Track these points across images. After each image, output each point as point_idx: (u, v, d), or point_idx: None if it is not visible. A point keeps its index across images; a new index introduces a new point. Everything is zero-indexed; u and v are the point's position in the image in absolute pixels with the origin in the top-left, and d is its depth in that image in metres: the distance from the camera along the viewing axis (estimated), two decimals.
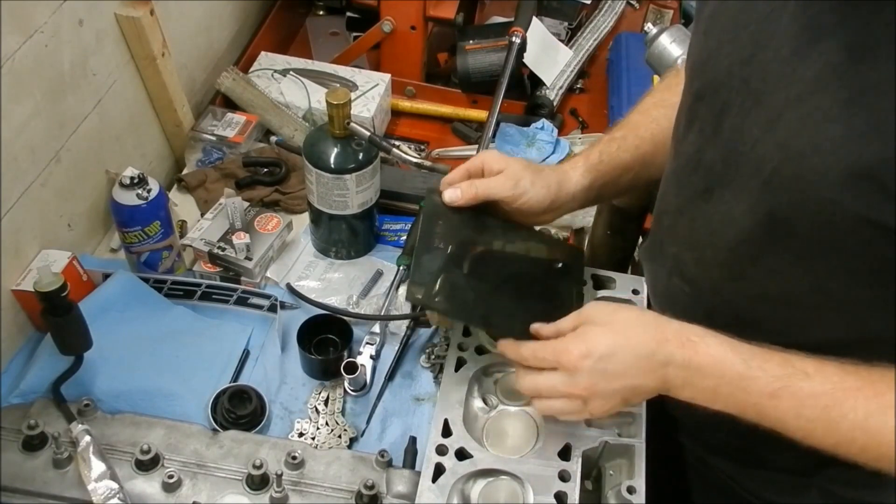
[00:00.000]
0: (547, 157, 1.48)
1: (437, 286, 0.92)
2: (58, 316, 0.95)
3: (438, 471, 0.89)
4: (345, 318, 1.17)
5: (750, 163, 0.79)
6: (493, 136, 1.46)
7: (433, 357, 1.17)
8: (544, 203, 0.97)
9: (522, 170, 0.96)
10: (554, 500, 0.88)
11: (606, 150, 1.02)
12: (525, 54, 1.55)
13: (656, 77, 1.55)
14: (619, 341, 0.81)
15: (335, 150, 1.19)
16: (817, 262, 0.77)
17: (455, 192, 0.96)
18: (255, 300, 1.21)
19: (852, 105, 0.68)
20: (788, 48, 0.73)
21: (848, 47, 0.68)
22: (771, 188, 0.77)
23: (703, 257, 0.90)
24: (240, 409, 1.03)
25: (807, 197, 0.73)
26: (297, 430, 1.07)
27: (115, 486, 0.90)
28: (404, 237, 1.32)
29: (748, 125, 0.78)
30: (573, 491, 0.88)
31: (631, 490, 0.89)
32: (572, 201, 1.00)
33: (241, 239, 1.22)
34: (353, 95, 1.31)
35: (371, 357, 1.16)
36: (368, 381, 1.14)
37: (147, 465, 0.93)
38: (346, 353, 1.14)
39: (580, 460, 0.91)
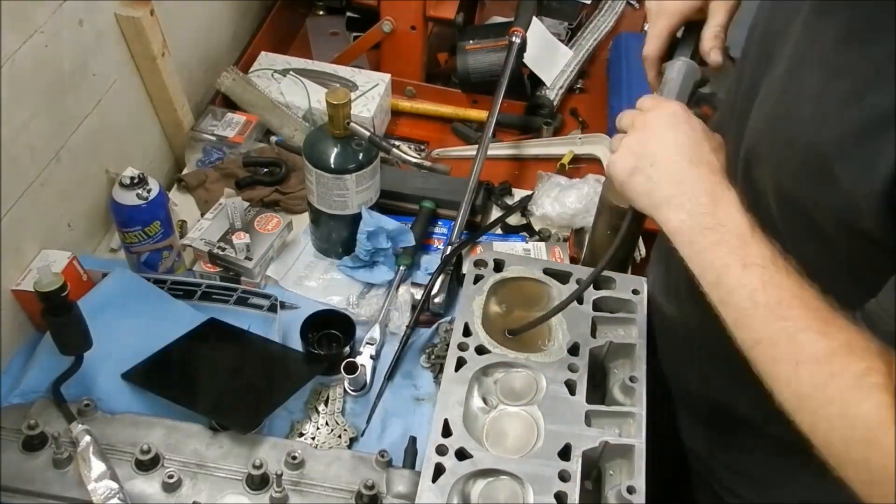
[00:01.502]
0: None
1: None
2: (58, 316, 0.95)
3: (438, 471, 0.89)
4: (347, 313, 1.17)
5: (743, 133, 0.81)
6: (493, 135, 1.46)
7: (433, 357, 1.17)
8: None
9: None
10: (554, 500, 0.88)
11: None
12: (525, 54, 1.55)
13: None
14: (686, 126, 0.84)
15: (335, 150, 1.19)
16: (797, 248, 0.76)
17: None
18: (254, 300, 1.21)
19: (826, 87, 0.68)
20: (801, 23, 0.73)
21: (845, 27, 0.68)
22: (750, 163, 0.79)
23: None
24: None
25: (776, 177, 0.75)
26: (297, 430, 1.07)
27: (115, 486, 0.90)
28: None
29: (755, 95, 0.80)
30: (573, 491, 0.88)
31: (631, 490, 0.89)
32: None
33: (241, 239, 1.22)
34: (353, 95, 1.31)
35: (371, 357, 1.16)
36: (368, 381, 1.14)
37: (147, 465, 0.93)
38: (348, 349, 1.14)
39: (580, 460, 0.91)
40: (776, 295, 0.71)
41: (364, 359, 1.15)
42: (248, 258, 1.23)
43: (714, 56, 0.94)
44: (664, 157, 0.82)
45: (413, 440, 1.04)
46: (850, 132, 0.65)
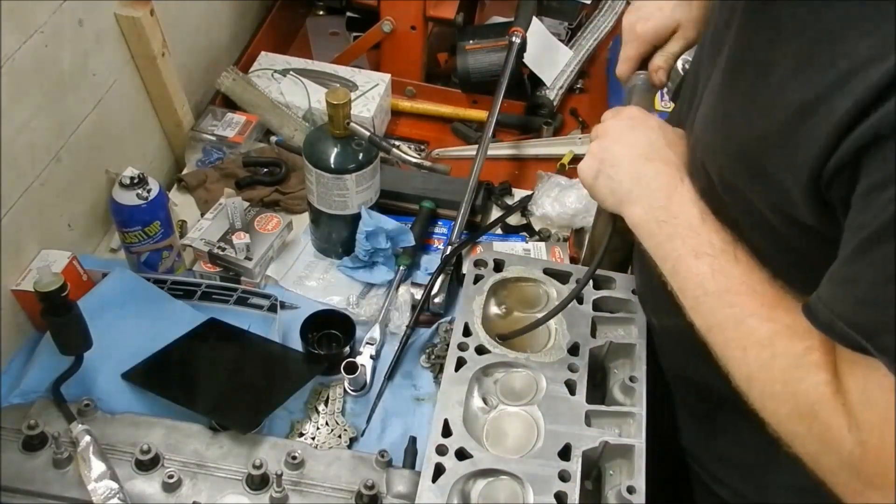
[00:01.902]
0: None
1: None
2: (58, 316, 0.95)
3: (438, 471, 0.89)
4: (347, 313, 1.17)
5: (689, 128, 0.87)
6: (493, 135, 1.46)
7: (433, 357, 1.17)
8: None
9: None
10: (554, 500, 0.88)
11: None
12: (525, 54, 1.55)
13: None
14: (642, 126, 0.91)
15: (335, 150, 1.19)
16: (749, 237, 0.79)
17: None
18: (254, 300, 1.21)
19: (755, 84, 0.70)
20: (737, 21, 0.76)
21: (772, 26, 0.69)
22: (699, 154, 0.82)
23: None
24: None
25: (719, 169, 0.77)
26: (297, 430, 1.07)
27: (115, 486, 0.90)
28: None
29: (704, 89, 0.83)
30: (573, 491, 0.88)
31: (631, 490, 0.89)
32: None
33: (241, 239, 1.22)
34: (353, 95, 1.31)
35: (371, 357, 1.16)
36: (368, 381, 1.14)
37: (147, 465, 0.93)
38: (348, 349, 1.14)
39: (580, 460, 0.91)
40: (724, 283, 0.75)
41: (364, 359, 1.15)
42: (248, 258, 1.23)
43: (659, 76, 1.04)
44: (622, 157, 0.88)
45: (413, 440, 1.04)
46: (773, 127, 0.67)
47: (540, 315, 1.07)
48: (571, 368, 1.00)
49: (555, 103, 1.63)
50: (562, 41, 1.71)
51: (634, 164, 0.87)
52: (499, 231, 1.38)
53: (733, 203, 0.78)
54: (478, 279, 1.10)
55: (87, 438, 0.93)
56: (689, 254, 0.78)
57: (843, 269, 0.64)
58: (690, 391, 1.06)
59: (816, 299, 0.66)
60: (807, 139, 0.63)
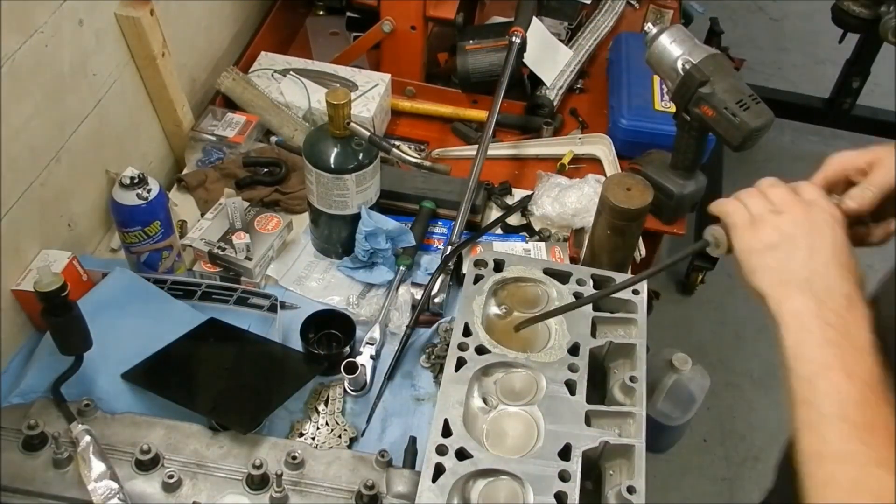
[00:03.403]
0: None
1: None
2: (58, 316, 0.95)
3: (438, 471, 0.89)
4: (347, 313, 1.17)
5: None
6: (493, 135, 1.46)
7: (433, 357, 1.17)
8: None
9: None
10: (554, 500, 0.88)
11: None
12: (525, 54, 1.55)
13: (656, 77, 1.55)
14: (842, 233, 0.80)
15: (335, 150, 1.19)
16: None
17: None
18: (255, 300, 1.21)
19: None
20: None
21: None
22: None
23: None
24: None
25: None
26: (297, 430, 1.07)
27: (115, 486, 0.90)
28: None
29: None
30: (573, 491, 0.88)
31: (631, 490, 0.89)
32: None
33: (241, 239, 1.22)
34: (353, 95, 1.31)
35: (371, 357, 1.16)
36: (368, 381, 1.14)
37: (147, 465, 0.93)
38: (348, 349, 1.14)
39: (580, 460, 0.91)
40: (870, 417, 0.68)
41: (364, 359, 1.15)
42: (248, 258, 1.23)
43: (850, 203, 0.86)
44: (816, 249, 0.78)
45: (413, 440, 1.04)
46: None
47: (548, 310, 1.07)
48: (571, 368, 1.00)
49: (555, 103, 1.63)
50: (562, 41, 1.71)
51: (826, 264, 0.77)
52: (499, 231, 1.38)
53: None
54: (478, 279, 1.10)
55: (87, 438, 0.93)
56: (842, 370, 0.70)
57: None
58: None
59: None
60: None
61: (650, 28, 1.32)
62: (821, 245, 0.78)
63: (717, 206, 0.86)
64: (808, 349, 0.73)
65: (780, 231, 0.80)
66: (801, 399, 0.72)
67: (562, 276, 1.11)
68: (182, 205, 1.37)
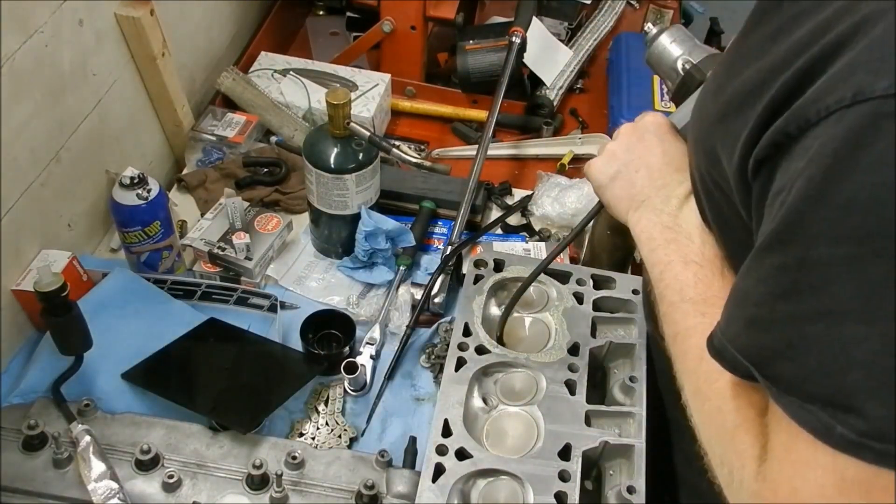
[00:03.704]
0: None
1: None
2: (58, 316, 0.95)
3: (438, 471, 0.89)
4: (347, 313, 1.17)
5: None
6: (493, 135, 1.46)
7: (433, 357, 1.17)
8: None
9: None
10: (554, 500, 0.88)
11: None
12: (525, 54, 1.55)
13: (656, 77, 1.55)
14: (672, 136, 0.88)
15: (335, 150, 1.19)
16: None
17: None
18: (254, 300, 1.21)
19: (726, 79, 0.68)
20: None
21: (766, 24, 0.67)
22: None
23: None
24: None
25: (699, 167, 0.76)
26: (297, 430, 1.07)
27: (115, 486, 0.90)
28: None
29: None
30: (573, 491, 0.88)
31: (631, 490, 0.89)
32: None
33: (241, 239, 1.22)
34: (353, 95, 1.31)
35: (371, 357, 1.16)
36: (368, 381, 1.14)
37: (147, 465, 0.93)
38: (348, 349, 1.14)
39: (580, 460, 0.91)
40: (703, 292, 0.73)
41: (364, 359, 1.15)
42: (248, 258, 1.23)
43: None
44: (651, 163, 0.85)
45: (413, 440, 1.04)
46: (717, 116, 0.66)
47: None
48: (571, 368, 1.00)
49: (555, 103, 1.63)
50: (562, 41, 1.71)
51: (661, 172, 0.84)
52: (499, 231, 1.38)
53: (710, 208, 0.76)
54: (478, 279, 1.10)
55: (87, 438, 0.93)
56: (678, 260, 0.77)
57: (737, 285, 0.60)
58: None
59: (717, 323, 0.61)
60: (742, 124, 0.59)
61: (650, 28, 1.31)
62: (652, 160, 0.86)
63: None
64: (655, 255, 0.80)
65: (617, 159, 0.88)
66: (658, 297, 0.78)
67: (562, 276, 1.11)
68: (182, 205, 1.37)
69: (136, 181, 1.12)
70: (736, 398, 0.62)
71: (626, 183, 0.86)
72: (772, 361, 0.54)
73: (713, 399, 0.65)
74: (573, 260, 1.31)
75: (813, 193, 0.50)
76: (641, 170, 0.85)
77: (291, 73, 1.57)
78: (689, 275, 0.75)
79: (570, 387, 0.98)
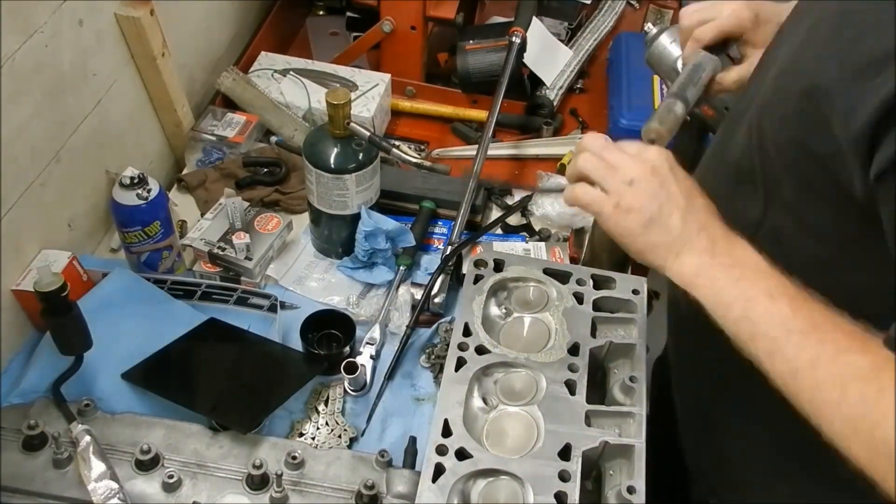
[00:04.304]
0: None
1: None
2: (58, 316, 0.95)
3: (438, 471, 0.89)
4: (347, 313, 1.17)
5: (757, 95, 0.86)
6: (493, 135, 1.46)
7: (433, 357, 1.17)
8: None
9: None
10: (554, 500, 0.88)
11: None
12: (525, 54, 1.55)
13: (656, 77, 1.55)
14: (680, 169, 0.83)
15: (335, 150, 1.19)
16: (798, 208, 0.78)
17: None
18: (255, 300, 1.21)
19: (833, 35, 0.70)
20: None
21: None
22: (759, 116, 0.82)
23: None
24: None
25: (775, 129, 0.77)
26: (297, 430, 1.07)
27: (115, 486, 0.90)
28: None
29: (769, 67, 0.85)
30: (573, 491, 0.88)
31: (631, 490, 0.89)
32: None
33: (241, 239, 1.22)
34: (353, 95, 1.31)
35: (371, 357, 1.16)
36: (368, 381, 1.14)
37: (147, 465, 0.93)
38: (348, 349, 1.14)
39: (580, 460, 0.91)
40: (809, 320, 0.70)
41: (364, 359, 1.15)
42: (248, 258, 1.23)
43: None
44: (681, 205, 0.80)
45: (413, 440, 1.04)
46: (842, 75, 0.65)
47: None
48: (571, 368, 1.00)
49: (555, 103, 1.63)
50: (562, 41, 1.71)
51: (695, 214, 0.80)
52: (499, 231, 1.38)
53: (791, 181, 0.76)
54: (478, 279, 1.10)
55: (87, 438, 0.93)
56: (762, 294, 0.73)
57: None
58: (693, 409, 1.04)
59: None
60: (871, 92, 0.60)
61: (650, 28, 1.31)
62: (680, 200, 0.80)
63: (574, 200, 0.86)
64: (725, 296, 0.76)
65: (645, 206, 0.80)
66: (748, 337, 0.74)
67: (562, 276, 1.11)
68: (182, 205, 1.37)
69: (136, 181, 1.12)
70: None
71: (663, 229, 0.80)
72: None
73: (882, 424, 0.62)
74: (573, 260, 1.31)
75: None
76: (674, 213, 0.80)
77: (291, 73, 1.57)
78: (782, 307, 0.72)
79: (570, 387, 0.98)
